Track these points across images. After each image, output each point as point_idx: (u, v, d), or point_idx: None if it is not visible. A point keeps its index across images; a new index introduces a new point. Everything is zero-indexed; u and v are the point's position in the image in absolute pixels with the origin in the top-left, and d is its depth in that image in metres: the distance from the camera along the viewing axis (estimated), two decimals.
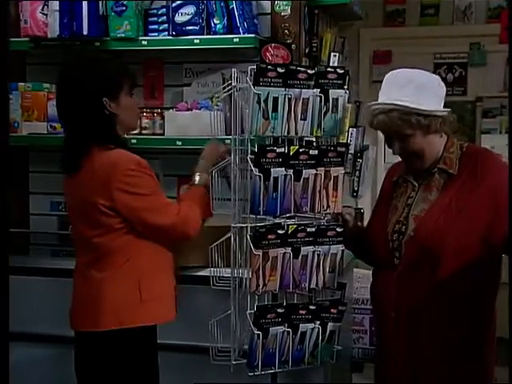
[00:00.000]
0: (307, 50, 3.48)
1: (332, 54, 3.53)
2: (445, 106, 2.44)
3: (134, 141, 3.43)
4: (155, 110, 3.53)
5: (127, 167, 2.44)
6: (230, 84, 2.58)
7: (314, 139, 2.64)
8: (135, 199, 2.45)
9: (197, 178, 2.68)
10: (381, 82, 5.03)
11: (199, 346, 2.82)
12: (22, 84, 3.59)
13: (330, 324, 2.64)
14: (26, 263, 3.45)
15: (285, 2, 3.40)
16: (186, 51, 3.44)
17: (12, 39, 3.57)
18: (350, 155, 3.58)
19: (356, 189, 3.57)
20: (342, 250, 2.63)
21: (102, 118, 2.48)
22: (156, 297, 2.52)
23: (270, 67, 2.46)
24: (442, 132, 2.45)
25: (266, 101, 2.46)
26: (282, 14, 3.41)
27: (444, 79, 4.91)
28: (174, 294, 2.61)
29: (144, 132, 3.50)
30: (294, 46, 3.40)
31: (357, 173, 3.56)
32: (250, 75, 2.48)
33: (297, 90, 2.50)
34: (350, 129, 3.53)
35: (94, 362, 2.52)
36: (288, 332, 2.58)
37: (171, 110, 3.48)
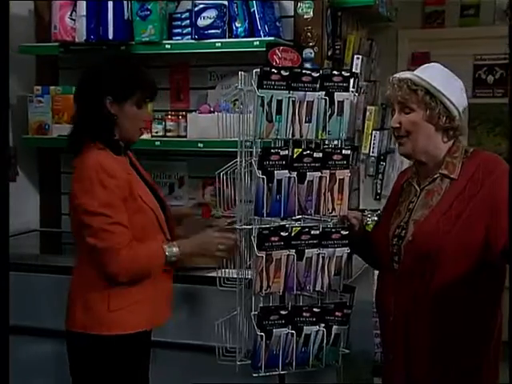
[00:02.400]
0: (330, 53, 3.48)
1: (355, 56, 3.51)
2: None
3: (157, 143, 3.52)
4: (180, 113, 3.58)
5: (87, 175, 2.43)
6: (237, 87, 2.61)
7: (325, 142, 2.64)
8: (81, 212, 2.44)
9: (172, 249, 2.53)
10: None
11: (206, 345, 2.84)
12: (53, 87, 3.70)
13: (334, 327, 2.64)
14: (58, 262, 3.55)
15: (307, 5, 3.40)
16: (211, 54, 3.48)
17: (43, 44, 3.71)
18: (373, 158, 3.57)
19: (379, 191, 3.55)
20: (348, 253, 2.62)
21: (100, 115, 2.50)
22: (126, 306, 2.49)
23: (273, 70, 2.48)
24: (447, 134, 2.42)
25: (269, 103, 2.47)
26: (305, 16, 3.42)
27: (484, 81, 4.92)
28: (153, 300, 2.56)
29: (168, 134, 3.57)
30: (316, 48, 3.41)
31: (380, 175, 3.54)
32: (255, 78, 2.50)
33: (301, 92, 2.51)
34: (374, 131, 3.52)
35: (73, 361, 2.57)
36: (292, 334, 2.59)
37: (194, 113, 3.53)
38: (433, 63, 2.51)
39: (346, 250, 2.61)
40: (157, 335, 2.99)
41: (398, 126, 2.42)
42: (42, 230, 3.97)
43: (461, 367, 2.38)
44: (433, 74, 2.39)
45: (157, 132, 3.56)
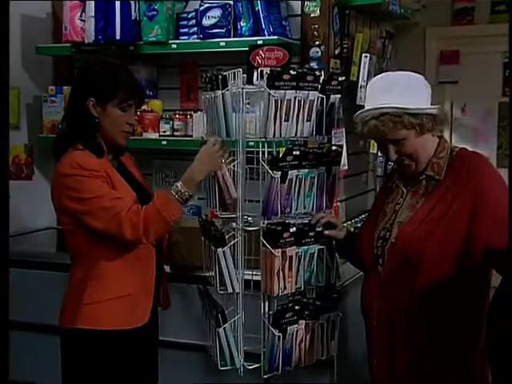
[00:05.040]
0: (337, 51, 3.43)
1: (363, 54, 3.45)
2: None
3: (164, 142, 3.54)
4: (188, 112, 3.59)
5: (66, 171, 2.46)
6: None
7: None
8: (74, 202, 2.46)
9: (178, 187, 2.51)
10: (448, 82, 4.88)
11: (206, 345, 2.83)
12: (67, 87, 3.75)
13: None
14: None
15: (314, 3, 3.36)
16: (218, 54, 3.47)
17: (56, 45, 3.78)
18: (381, 158, 3.51)
19: None
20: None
21: (82, 117, 2.52)
22: (101, 301, 2.51)
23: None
24: (436, 132, 2.36)
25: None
26: (312, 15, 3.38)
27: None
28: (133, 299, 2.56)
29: (176, 134, 3.58)
30: (323, 47, 3.37)
31: None
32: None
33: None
34: None
35: (63, 358, 2.61)
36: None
37: (199, 112, 3.52)
38: (388, 74, 2.42)
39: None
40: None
41: (397, 155, 2.35)
42: (58, 227, 4.02)
43: (445, 373, 2.32)
44: (405, 93, 2.28)
45: (164, 131, 3.57)
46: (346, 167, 3.49)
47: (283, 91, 2.44)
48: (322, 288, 2.68)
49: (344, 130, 3.46)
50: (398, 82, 2.33)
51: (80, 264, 2.56)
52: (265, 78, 2.45)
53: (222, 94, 2.52)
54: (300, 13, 3.43)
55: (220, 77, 2.52)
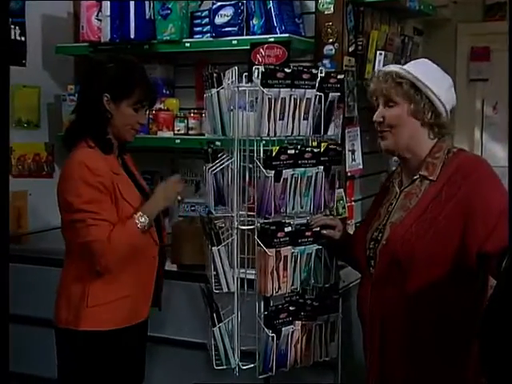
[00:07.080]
0: (352, 49, 3.37)
1: (378, 52, 3.39)
2: None
3: (177, 141, 3.54)
4: (203, 111, 3.57)
5: (73, 171, 2.49)
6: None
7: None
8: (66, 209, 2.50)
9: (136, 219, 2.54)
10: (479, 80, 4.78)
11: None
12: None
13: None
14: None
15: (328, 0, 3.31)
16: (231, 52, 3.45)
17: (75, 44, 3.82)
18: (395, 157, 3.44)
19: None
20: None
21: (96, 111, 2.55)
22: (104, 303, 2.53)
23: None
24: (432, 131, 2.32)
25: None
26: (326, 12, 3.33)
27: None
28: (134, 298, 2.59)
29: (191, 132, 3.57)
30: (336, 44, 3.32)
31: None
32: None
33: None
34: None
35: (58, 355, 2.64)
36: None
37: None
38: (422, 59, 2.44)
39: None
40: (159, 332, 3.02)
41: (381, 120, 2.34)
42: None
43: (438, 375, 2.27)
44: (420, 69, 2.31)
45: (179, 130, 3.57)
46: (361, 166, 3.45)
47: (277, 89, 2.42)
48: (323, 289, 2.65)
49: (358, 128, 3.42)
50: (429, 65, 2.39)
51: (79, 264, 2.56)
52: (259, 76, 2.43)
53: (217, 92, 2.51)
54: (314, 10, 3.39)
55: (215, 75, 2.50)
